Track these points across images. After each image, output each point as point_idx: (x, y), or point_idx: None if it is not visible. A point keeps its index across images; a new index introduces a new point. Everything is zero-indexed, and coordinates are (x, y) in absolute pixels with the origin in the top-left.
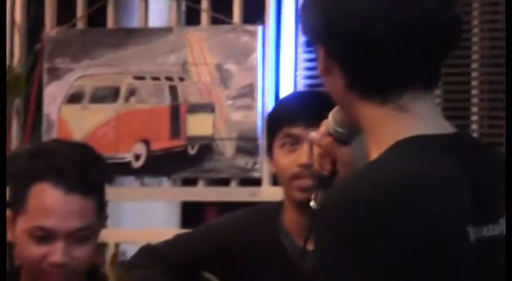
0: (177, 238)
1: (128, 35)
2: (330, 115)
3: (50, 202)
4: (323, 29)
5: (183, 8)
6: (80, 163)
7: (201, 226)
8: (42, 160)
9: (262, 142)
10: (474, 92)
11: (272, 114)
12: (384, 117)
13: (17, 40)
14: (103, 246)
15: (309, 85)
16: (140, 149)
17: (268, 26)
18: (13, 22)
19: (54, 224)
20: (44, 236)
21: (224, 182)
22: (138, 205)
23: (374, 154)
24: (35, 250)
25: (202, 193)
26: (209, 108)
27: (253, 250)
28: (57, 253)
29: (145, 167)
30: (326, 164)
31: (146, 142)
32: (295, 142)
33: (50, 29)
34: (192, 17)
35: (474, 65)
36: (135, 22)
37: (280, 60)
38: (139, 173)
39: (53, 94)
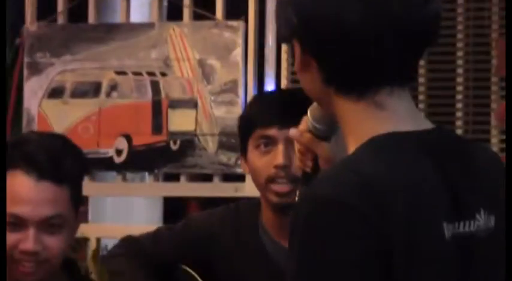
0: (158, 230)
1: (109, 31)
2: (309, 112)
3: (21, 189)
4: (298, 23)
5: (165, 3)
6: (52, 151)
7: (183, 220)
8: (14, 149)
9: None
10: (459, 88)
11: (245, 115)
12: (360, 113)
13: None
14: (84, 241)
15: (292, 80)
16: (122, 144)
17: (250, 21)
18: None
19: (25, 211)
20: (16, 223)
21: (207, 177)
22: (120, 200)
23: (351, 150)
24: (7, 238)
25: (184, 188)
26: (191, 103)
27: (233, 246)
28: (28, 240)
29: (127, 162)
30: (307, 160)
31: (128, 137)
32: (270, 143)
33: (30, 24)
34: (174, 13)
35: (459, 62)
36: (117, 17)
37: (264, 55)
38: (122, 168)
39: (34, 89)
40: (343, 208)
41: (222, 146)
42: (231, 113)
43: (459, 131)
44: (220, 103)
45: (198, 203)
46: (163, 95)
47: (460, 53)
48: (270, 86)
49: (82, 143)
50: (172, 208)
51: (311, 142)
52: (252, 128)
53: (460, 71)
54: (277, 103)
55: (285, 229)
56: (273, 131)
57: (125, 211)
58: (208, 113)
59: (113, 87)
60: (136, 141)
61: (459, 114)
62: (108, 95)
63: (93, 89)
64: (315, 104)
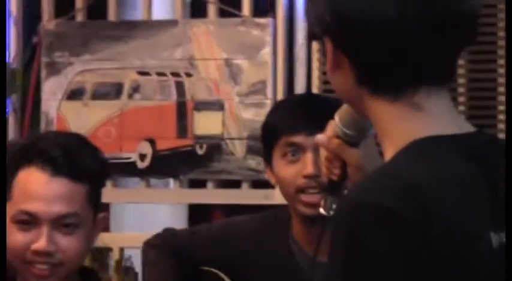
0: (197, 228)
1: (130, 28)
2: (336, 116)
3: (35, 185)
4: (331, 19)
5: None
6: (68, 147)
7: (221, 222)
8: (30, 146)
9: None
10: (501, 89)
11: (268, 121)
12: (396, 116)
13: (13, 33)
14: (106, 251)
15: (324, 81)
16: (145, 148)
17: (279, 18)
18: (9, 14)
19: (38, 208)
20: (28, 221)
21: (235, 184)
22: (143, 207)
23: (388, 154)
24: (19, 237)
25: (211, 195)
26: (218, 105)
27: (264, 255)
28: (41, 239)
29: (151, 167)
30: (335, 168)
31: (152, 141)
32: (298, 151)
33: (48, 21)
34: (198, 9)
35: (500, 61)
36: (138, 14)
37: (294, 54)
38: (145, 174)
39: (52, 90)
40: (386, 214)
41: (251, 150)
42: (259, 116)
43: (501, 135)
44: (248, 105)
45: (223, 212)
46: (188, 96)
47: (501, 52)
48: (300, 86)
49: (103, 147)
50: (198, 216)
51: (339, 148)
52: (277, 135)
53: (501, 71)
54: (304, 108)
55: (315, 241)
56: (300, 138)
57: (147, 219)
58: (236, 116)
59: (135, 88)
60: (160, 145)
61: (501, 117)
62: (130, 96)
63: (114, 90)
64: (343, 107)
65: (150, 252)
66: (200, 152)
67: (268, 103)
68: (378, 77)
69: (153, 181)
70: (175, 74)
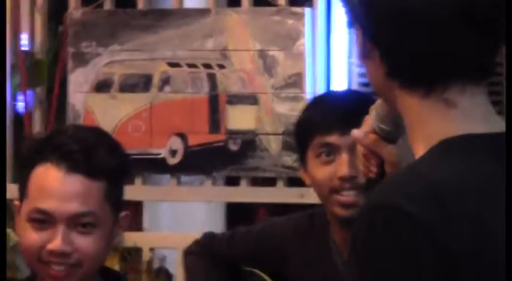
0: (236, 231)
1: (161, 17)
2: (373, 110)
3: (50, 182)
4: (361, 7)
5: None
6: (86, 142)
7: (260, 224)
8: (48, 141)
9: None
10: None
11: (301, 120)
12: (427, 112)
13: (39, 22)
14: (137, 251)
15: (364, 73)
16: (176, 144)
17: (316, 7)
18: (34, 2)
19: (53, 206)
20: (43, 220)
21: (269, 181)
22: (178, 206)
23: (419, 152)
24: (34, 236)
25: (245, 193)
26: (252, 99)
27: (304, 257)
28: (56, 238)
29: (182, 164)
30: (372, 165)
31: (182, 136)
32: (332, 151)
33: (74, 9)
34: None
35: None
36: (169, 3)
37: (331, 45)
38: (176, 170)
39: (79, 82)
40: (405, 218)
41: (286, 146)
42: (295, 110)
43: None
44: (283, 99)
45: (267, 209)
46: (220, 89)
47: None
48: (338, 79)
49: (132, 142)
50: (236, 214)
51: (376, 144)
52: (310, 134)
53: None
54: (339, 106)
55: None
56: (334, 138)
57: (183, 219)
58: (271, 110)
59: (165, 80)
60: (192, 141)
61: None
62: (160, 89)
63: (143, 83)
64: (379, 101)
65: (189, 259)
66: (233, 148)
67: (305, 97)
68: (408, 71)
69: (184, 178)
70: (207, 66)
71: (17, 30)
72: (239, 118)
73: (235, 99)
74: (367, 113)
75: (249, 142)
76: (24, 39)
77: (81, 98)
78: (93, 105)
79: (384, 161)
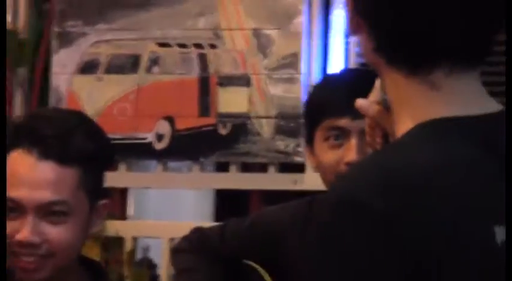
0: (227, 224)
1: None
2: (377, 81)
3: (20, 169)
4: None
5: None
6: (61, 126)
7: (253, 215)
8: (21, 125)
9: None
10: None
11: (312, 100)
12: (412, 91)
13: (22, 0)
14: (119, 241)
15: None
16: (164, 128)
17: None
18: None
19: (22, 195)
20: (14, 209)
21: (261, 167)
22: (165, 193)
23: (400, 132)
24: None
25: (234, 180)
26: (244, 80)
27: (305, 247)
28: (24, 229)
29: (169, 149)
30: (377, 137)
31: (171, 120)
32: (342, 135)
33: None
34: None
35: None
36: None
37: (329, 24)
38: (163, 156)
39: (63, 63)
40: (361, 209)
41: (280, 130)
42: (290, 92)
43: None
44: (278, 80)
45: (260, 196)
46: (212, 70)
47: None
48: (337, 60)
49: (118, 126)
50: (226, 202)
51: (380, 114)
52: (320, 116)
53: None
54: (350, 88)
55: None
56: (345, 122)
57: (170, 207)
58: (264, 92)
59: (154, 61)
60: (180, 124)
61: None
62: (149, 70)
63: (131, 63)
64: None
65: (180, 257)
66: (224, 132)
67: (300, 78)
68: (395, 48)
69: (171, 163)
70: (198, 46)
71: None
72: (230, 101)
73: (227, 80)
74: None
75: (241, 126)
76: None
77: (65, 80)
78: (78, 87)
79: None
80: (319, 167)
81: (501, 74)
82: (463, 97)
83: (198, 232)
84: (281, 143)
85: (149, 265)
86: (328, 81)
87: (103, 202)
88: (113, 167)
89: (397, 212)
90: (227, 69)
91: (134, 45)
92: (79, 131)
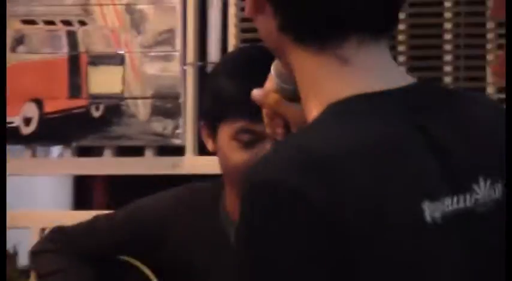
0: (95, 220)
1: None
2: (272, 68)
3: None
4: None
5: None
6: None
7: (125, 207)
8: None
9: (184, 100)
10: (447, 36)
11: (219, 91)
12: (321, 69)
13: None
14: None
15: (242, 29)
16: (31, 111)
17: None
18: None
19: None
20: None
21: (137, 151)
22: (19, 181)
23: (311, 114)
24: None
25: (109, 164)
26: (118, 59)
27: (190, 235)
28: None
29: (37, 133)
30: (277, 127)
31: (38, 102)
32: (257, 140)
33: None
34: None
35: (447, 4)
36: None
37: None
38: (31, 140)
39: None
40: (280, 191)
41: (156, 111)
42: (167, 71)
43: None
44: (153, 58)
45: (104, 183)
46: (82, 49)
47: (448, 4)
48: (214, 35)
49: None
50: (80, 189)
51: (278, 103)
52: (233, 114)
53: (448, 15)
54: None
55: None
56: (261, 127)
57: (24, 195)
58: (139, 71)
59: (19, 40)
60: (49, 107)
61: (447, 68)
62: (13, 50)
63: None
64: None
65: (43, 259)
66: (96, 114)
67: (177, 56)
68: (300, 24)
69: (40, 149)
70: (66, 23)
71: None
72: (103, 81)
73: (99, 59)
74: None
75: (114, 107)
76: None
77: None
78: None
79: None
80: (223, 160)
81: None
82: (375, 71)
83: (60, 231)
84: (158, 125)
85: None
86: (240, 70)
87: None
88: None
89: (317, 193)
90: (99, 48)
91: None
92: None
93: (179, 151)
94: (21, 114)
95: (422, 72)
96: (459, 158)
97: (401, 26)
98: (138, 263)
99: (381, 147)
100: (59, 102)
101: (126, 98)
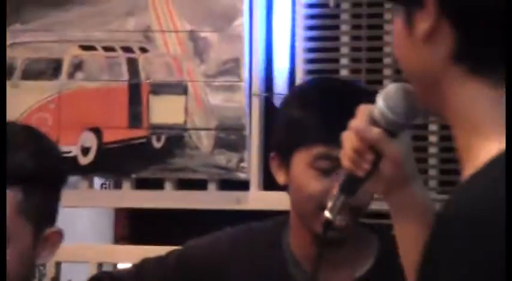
0: (144, 263)
1: None
2: (380, 99)
3: None
4: None
5: None
6: (6, 145)
7: (177, 249)
8: None
9: (249, 132)
10: None
11: (298, 117)
12: (497, 105)
13: None
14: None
15: (311, 60)
16: (89, 140)
17: None
18: None
19: None
20: None
21: (200, 184)
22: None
23: (478, 153)
24: None
25: (170, 198)
26: (180, 88)
27: (250, 278)
28: None
29: (95, 163)
30: (365, 162)
31: (97, 132)
32: (336, 166)
33: None
34: None
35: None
36: None
37: (273, 26)
38: (88, 171)
39: None
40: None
41: (220, 143)
42: (231, 101)
43: None
44: (217, 88)
45: (127, 217)
46: (143, 76)
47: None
48: (281, 65)
49: None
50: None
51: (380, 138)
52: (310, 140)
53: None
54: (340, 109)
55: (330, 265)
56: (339, 153)
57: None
58: (202, 101)
59: (77, 66)
60: (108, 136)
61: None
62: (71, 76)
63: (51, 69)
64: (389, 87)
65: None
66: (157, 145)
67: (242, 86)
68: (489, 51)
69: (98, 180)
70: (127, 49)
71: None
72: (165, 111)
73: (160, 88)
74: None
75: (176, 138)
76: None
77: None
78: None
79: (378, 158)
80: (296, 191)
81: None
82: None
83: (106, 275)
84: (221, 158)
85: None
86: (308, 100)
87: (53, 229)
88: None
89: None
90: (160, 76)
91: (54, 48)
92: (23, 148)
93: (244, 185)
94: (79, 144)
95: None
96: None
97: None
98: None
99: None
100: (118, 132)
101: (189, 129)
